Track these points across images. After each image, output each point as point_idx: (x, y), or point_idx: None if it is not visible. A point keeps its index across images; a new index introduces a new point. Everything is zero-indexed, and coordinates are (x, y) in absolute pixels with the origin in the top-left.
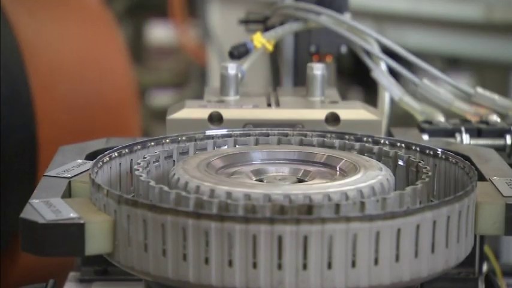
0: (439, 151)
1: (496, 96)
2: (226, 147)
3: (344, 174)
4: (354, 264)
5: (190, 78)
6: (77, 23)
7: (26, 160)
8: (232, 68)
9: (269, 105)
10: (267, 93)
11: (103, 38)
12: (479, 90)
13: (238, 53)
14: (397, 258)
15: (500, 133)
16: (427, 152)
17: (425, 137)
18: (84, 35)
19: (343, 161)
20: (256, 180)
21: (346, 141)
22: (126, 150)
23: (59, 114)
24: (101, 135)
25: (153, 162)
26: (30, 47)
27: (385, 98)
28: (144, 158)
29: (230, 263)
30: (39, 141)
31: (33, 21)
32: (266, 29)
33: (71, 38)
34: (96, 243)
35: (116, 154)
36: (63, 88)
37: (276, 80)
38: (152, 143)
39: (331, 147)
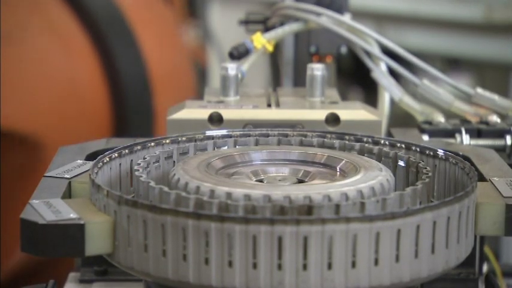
0: (439, 152)
1: (496, 97)
2: (226, 147)
3: (344, 174)
4: (354, 264)
5: None
6: (172, 39)
7: None
8: (232, 68)
9: (269, 105)
10: (267, 94)
11: (181, 47)
12: (479, 90)
13: (238, 53)
14: (397, 259)
15: (500, 133)
16: (427, 152)
17: (425, 137)
18: (175, 48)
19: (343, 161)
20: (256, 180)
21: (346, 142)
22: (126, 151)
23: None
24: None
25: (153, 162)
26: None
27: (385, 99)
28: (144, 158)
29: (230, 264)
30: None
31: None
32: (266, 29)
33: (171, 51)
34: (96, 243)
35: (116, 155)
36: (172, 89)
37: (276, 81)
38: (152, 144)
39: (331, 147)
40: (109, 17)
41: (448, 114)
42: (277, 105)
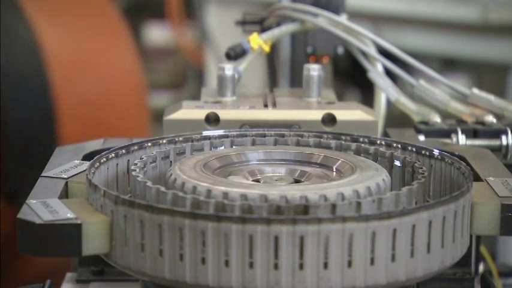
0: (435, 152)
1: (491, 97)
2: (223, 147)
3: (340, 174)
4: (350, 264)
5: (188, 79)
6: (91, 25)
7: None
8: (229, 69)
9: (266, 106)
10: (263, 94)
11: (115, 39)
12: (475, 91)
13: (235, 54)
14: (393, 258)
15: (496, 134)
16: (423, 152)
17: (422, 137)
18: (98, 36)
19: (340, 161)
20: (252, 180)
21: (343, 142)
22: (123, 151)
23: (77, 111)
24: (111, 130)
25: (150, 162)
26: (50, 48)
27: (381, 99)
28: (141, 158)
29: (227, 263)
30: (60, 136)
31: (52, 23)
32: (263, 30)
33: (86, 39)
34: (93, 243)
35: (113, 155)
36: (80, 86)
37: (272, 81)
38: (149, 144)
39: (328, 147)
40: None
41: (444, 115)
42: (274, 105)
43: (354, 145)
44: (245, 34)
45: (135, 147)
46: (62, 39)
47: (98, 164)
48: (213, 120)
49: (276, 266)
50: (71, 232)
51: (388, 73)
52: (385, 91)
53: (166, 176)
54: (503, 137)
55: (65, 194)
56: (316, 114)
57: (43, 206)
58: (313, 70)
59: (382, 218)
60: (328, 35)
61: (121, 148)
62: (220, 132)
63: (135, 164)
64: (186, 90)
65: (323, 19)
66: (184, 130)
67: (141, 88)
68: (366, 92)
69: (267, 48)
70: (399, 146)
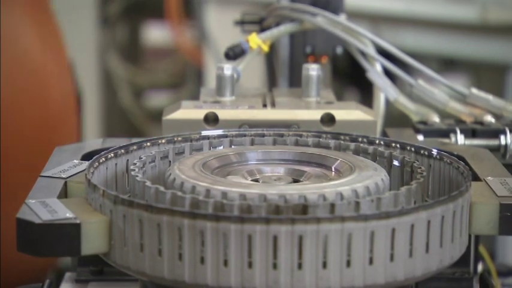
0: (434, 151)
1: (490, 97)
2: (222, 147)
3: (339, 174)
4: (348, 263)
5: (187, 79)
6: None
7: None
8: (228, 68)
9: (265, 105)
10: (262, 94)
11: (41, 43)
12: (474, 90)
13: (234, 53)
14: (392, 258)
15: (495, 133)
16: (422, 152)
17: (420, 137)
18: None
19: (339, 161)
20: (251, 180)
21: (342, 142)
22: (122, 151)
23: None
24: (32, 148)
25: (149, 162)
26: None
27: (380, 99)
28: (140, 158)
29: (225, 263)
30: None
31: None
32: (262, 30)
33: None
34: (92, 243)
35: (112, 154)
36: None
37: (271, 81)
38: (148, 144)
39: (327, 147)
40: None
41: (443, 115)
42: (273, 105)
43: (352, 145)
44: (244, 34)
45: (134, 147)
46: None
47: (97, 163)
48: (212, 120)
49: (274, 266)
50: (70, 232)
51: (387, 73)
52: (384, 91)
53: (165, 176)
54: (502, 137)
55: (64, 194)
56: (315, 114)
57: (42, 206)
58: (312, 70)
59: (381, 218)
60: (327, 35)
61: (120, 148)
62: (219, 132)
63: (134, 164)
64: (185, 90)
65: (322, 19)
66: (183, 130)
67: (69, 98)
68: (365, 92)
69: (266, 48)
70: (398, 145)
